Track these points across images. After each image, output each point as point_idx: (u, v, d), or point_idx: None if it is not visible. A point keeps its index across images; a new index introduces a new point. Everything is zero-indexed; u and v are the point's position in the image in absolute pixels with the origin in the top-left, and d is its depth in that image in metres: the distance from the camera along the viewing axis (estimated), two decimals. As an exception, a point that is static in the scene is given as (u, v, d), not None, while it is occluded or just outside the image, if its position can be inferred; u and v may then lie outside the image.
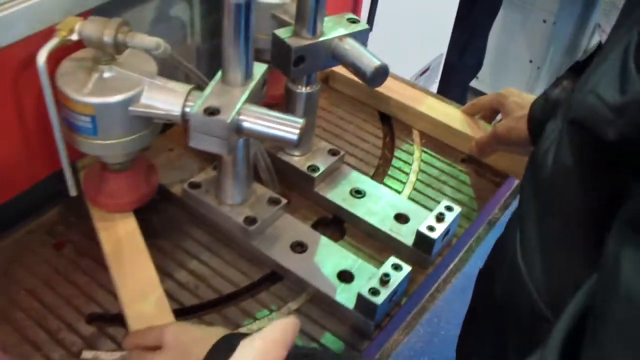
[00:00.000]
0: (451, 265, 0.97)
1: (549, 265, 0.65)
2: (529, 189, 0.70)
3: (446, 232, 0.91)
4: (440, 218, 0.90)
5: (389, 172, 1.06)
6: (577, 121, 0.58)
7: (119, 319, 0.83)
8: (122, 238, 0.88)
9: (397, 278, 0.82)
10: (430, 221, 0.90)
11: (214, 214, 0.92)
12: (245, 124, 0.78)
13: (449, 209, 0.92)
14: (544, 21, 2.61)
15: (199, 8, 1.04)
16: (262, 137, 0.79)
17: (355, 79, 1.03)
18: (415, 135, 1.12)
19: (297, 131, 0.78)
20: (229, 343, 0.67)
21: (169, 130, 1.05)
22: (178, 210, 0.97)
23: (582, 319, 0.46)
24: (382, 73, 0.88)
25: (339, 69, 1.17)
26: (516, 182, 1.07)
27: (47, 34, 0.78)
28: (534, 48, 2.69)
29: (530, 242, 0.68)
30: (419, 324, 1.98)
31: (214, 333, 0.69)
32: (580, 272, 0.53)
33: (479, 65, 2.37)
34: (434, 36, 1.83)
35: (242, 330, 0.82)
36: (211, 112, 0.76)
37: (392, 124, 1.15)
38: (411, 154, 1.09)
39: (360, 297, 0.81)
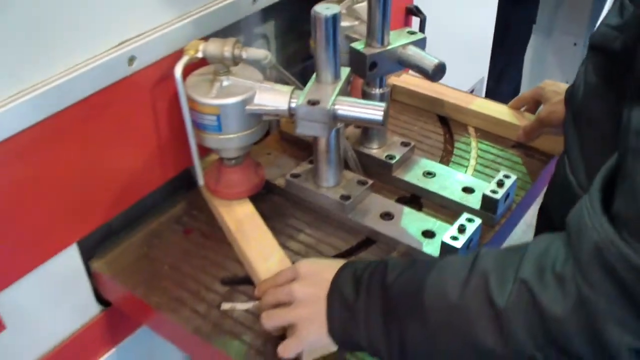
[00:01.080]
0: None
1: (589, 169, 0.83)
2: (569, 119, 0.89)
3: (506, 195, 1.09)
4: (500, 183, 1.09)
5: (452, 160, 1.25)
6: (595, 46, 0.81)
7: (247, 280, 1.02)
8: (242, 218, 1.08)
9: (471, 228, 1.00)
10: (493, 186, 1.08)
11: (314, 196, 1.12)
12: (340, 111, 0.98)
13: (506, 177, 1.10)
14: (575, 44, 2.81)
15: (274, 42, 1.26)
16: (353, 121, 1.00)
17: (415, 89, 1.24)
18: (471, 130, 1.32)
19: (382, 112, 0.98)
20: (351, 266, 0.85)
21: (265, 139, 1.27)
22: (282, 199, 1.17)
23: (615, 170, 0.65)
24: (441, 69, 1.08)
25: (400, 82, 1.38)
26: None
27: (176, 55, 1.00)
28: (567, 70, 2.88)
29: (575, 158, 0.87)
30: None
31: (338, 262, 0.88)
32: None
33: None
34: (475, 59, 2.03)
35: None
36: (313, 103, 0.97)
37: (449, 123, 1.34)
38: (469, 144, 1.28)
39: (443, 244, 0.99)
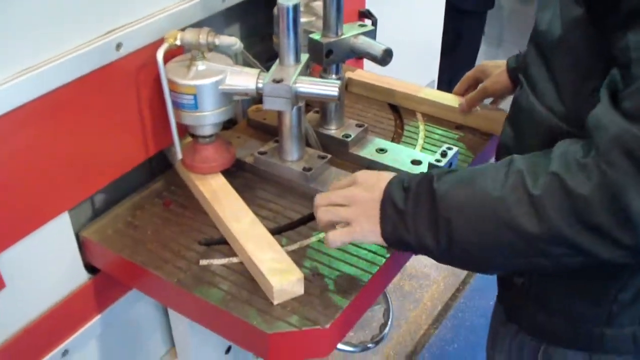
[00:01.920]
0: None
1: (563, 92, 0.96)
2: (533, 52, 1.02)
3: (449, 164, 1.24)
4: (443, 154, 1.24)
5: (402, 141, 1.40)
6: None
7: (222, 241, 1.15)
8: (216, 188, 1.22)
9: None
10: (437, 156, 1.24)
11: (280, 170, 1.27)
12: (300, 88, 1.13)
13: (449, 148, 1.26)
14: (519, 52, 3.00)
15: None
16: (312, 97, 1.14)
17: (368, 81, 1.40)
18: (419, 115, 1.48)
19: (337, 89, 1.13)
20: (400, 177, 0.98)
21: (235, 126, 1.41)
22: (251, 175, 1.31)
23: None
24: (388, 54, 1.24)
25: (355, 76, 1.54)
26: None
27: (158, 43, 1.14)
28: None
29: (542, 88, 0.99)
30: (446, 318, 2.30)
31: (391, 173, 1.00)
32: (588, 84, 0.90)
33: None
34: (425, 63, 2.20)
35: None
36: (277, 81, 1.12)
37: (399, 110, 1.50)
38: (417, 127, 1.44)
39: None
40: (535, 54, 1.02)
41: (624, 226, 0.79)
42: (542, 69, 1.00)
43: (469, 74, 1.45)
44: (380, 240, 0.97)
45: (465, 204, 0.89)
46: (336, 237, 0.98)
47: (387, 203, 0.95)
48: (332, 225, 1.01)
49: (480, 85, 1.39)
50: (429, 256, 0.96)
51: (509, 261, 0.90)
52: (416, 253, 0.98)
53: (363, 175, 1.01)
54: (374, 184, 0.98)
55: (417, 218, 0.92)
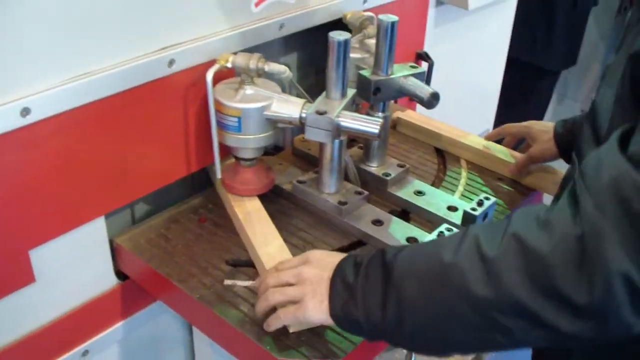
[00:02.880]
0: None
1: None
2: (589, 131, 0.96)
3: (485, 214, 1.23)
4: (480, 203, 1.23)
5: (443, 185, 1.40)
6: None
7: (249, 263, 1.17)
8: (250, 211, 1.24)
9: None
10: (473, 205, 1.23)
11: (316, 200, 1.28)
12: (343, 122, 1.14)
13: (487, 198, 1.25)
14: (582, 111, 2.98)
15: (295, 73, 1.43)
16: (353, 132, 1.16)
17: (416, 122, 1.41)
18: (463, 162, 1.47)
19: (378, 126, 1.14)
20: (353, 255, 0.98)
21: (280, 153, 1.43)
22: (287, 203, 1.32)
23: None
24: (435, 97, 1.24)
25: (404, 116, 1.55)
26: (541, 194, 1.41)
27: (209, 64, 1.17)
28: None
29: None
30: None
31: (344, 254, 0.98)
32: None
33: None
34: (479, 112, 2.20)
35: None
36: (321, 112, 1.13)
37: (444, 155, 1.50)
38: (459, 174, 1.44)
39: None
40: (590, 133, 0.97)
41: (589, 286, 0.71)
42: (592, 147, 0.95)
43: (511, 128, 1.44)
44: (326, 318, 0.93)
45: (416, 271, 0.85)
46: (284, 315, 0.97)
47: (338, 279, 0.93)
48: (272, 308, 1.00)
49: (527, 153, 1.37)
50: (381, 338, 0.91)
51: (463, 338, 0.83)
52: (368, 337, 0.93)
53: (315, 254, 1.00)
54: (325, 262, 0.97)
55: (366, 292, 0.89)
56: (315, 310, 0.94)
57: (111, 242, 1.23)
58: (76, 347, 1.24)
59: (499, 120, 2.25)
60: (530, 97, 2.74)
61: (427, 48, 1.71)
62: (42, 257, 1.11)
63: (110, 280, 1.26)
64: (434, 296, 0.82)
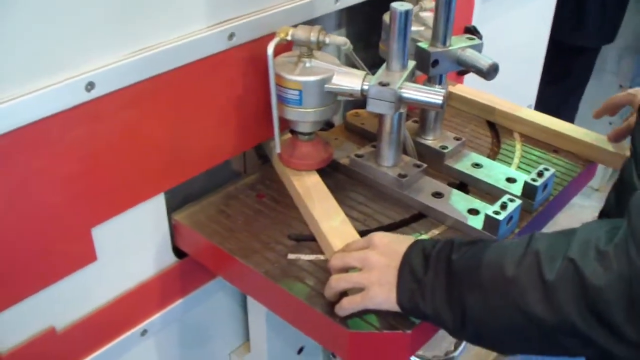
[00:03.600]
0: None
1: None
2: None
3: (545, 185, 1.21)
4: (540, 174, 1.22)
5: (498, 158, 1.38)
6: None
7: (311, 238, 1.16)
8: (310, 186, 1.22)
9: (512, 206, 1.13)
10: (533, 175, 1.21)
11: (375, 174, 1.26)
12: (405, 94, 1.13)
13: (546, 169, 1.23)
14: (620, 86, 2.94)
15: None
16: (416, 104, 1.14)
17: (468, 96, 1.39)
18: (516, 135, 1.45)
19: (442, 97, 1.12)
20: (421, 243, 0.97)
21: (332, 128, 1.42)
22: (345, 177, 1.31)
23: None
24: (494, 69, 1.23)
25: (455, 90, 1.53)
26: (597, 165, 1.38)
27: (269, 37, 1.16)
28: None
29: None
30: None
31: (409, 238, 1.00)
32: None
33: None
34: (523, 87, 2.17)
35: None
36: (383, 84, 1.12)
37: (497, 128, 1.48)
38: (513, 146, 1.42)
39: (487, 217, 1.12)
40: None
41: (637, 323, 0.74)
42: None
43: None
44: (394, 307, 0.95)
45: (478, 280, 0.87)
46: (350, 304, 0.97)
47: (405, 270, 0.94)
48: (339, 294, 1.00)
49: (627, 121, 1.33)
50: (443, 329, 0.94)
51: (523, 346, 0.88)
52: (431, 323, 0.95)
53: (382, 238, 0.99)
54: (392, 249, 0.97)
55: (435, 290, 0.90)
56: (382, 298, 0.95)
57: (169, 219, 1.22)
58: (135, 326, 1.24)
59: (541, 97, 2.24)
60: (570, 74, 2.72)
61: (474, 23, 1.69)
62: (104, 235, 1.10)
63: (169, 258, 1.25)
64: (496, 307, 0.85)
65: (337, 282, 0.98)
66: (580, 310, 0.77)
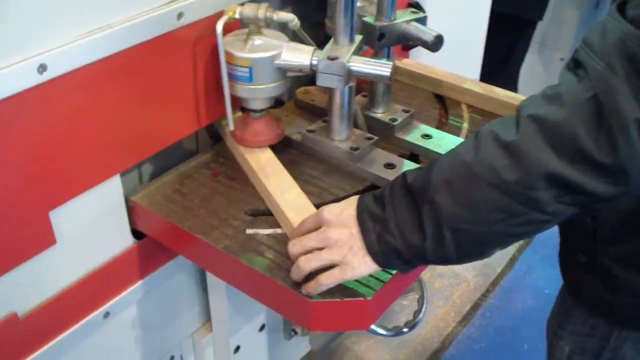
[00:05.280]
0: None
1: None
2: None
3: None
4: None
5: (446, 129, 1.42)
6: None
7: (268, 212, 1.18)
8: (264, 161, 1.24)
9: None
10: (483, 143, 1.25)
11: (327, 148, 1.29)
12: (354, 67, 1.15)
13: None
14: (561, 59, 3.01)
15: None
16: (365, 76, 1.16)
17: (414, 70, 1.42)
18: (463, 106, 1.50)
19: (390, 69, 1.15)
20: (369, 193, 0.99)
21: (283, 105, 1.44)
22: (298, 152, 1.33)
23: None
24: (439, 40, 1.26)
25: (401, 64, 1.57)
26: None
27: (217, 16, 1.17)
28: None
29: None
30: (474, 317, 2.32)
31: (353, 198, 0.99)
32: None
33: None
34: (468, 60, 2.22)
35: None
36: (332, 58, 1.14)
37: (444, 100, 1.52)
38: (461, 117, 1.46)
39: None
40: None
41: (610, 138, 0.77)
42: None
43: None
44: (372, 268, 0.95)
45: (444, 181, 0.88)
46: (328, 279, 0.97)
47: (365, 219, 0.94)
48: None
49: None
50: (421, 261, 0.94)
51: (504, 228, 0.86)
52: (407, 265, 0.96)
53: (329, 211, 0.99)
54: (344, 215, 0.97)
55: (398, 218, 0.91)
56: (362, 265, 0.95)
57: (126, 201, 1.23)
58: (97, 309, 1.25)
59: (483, 70, 2.28)
60: (509, 55, 2.79)
61: (417, -2, 1.72)
62: (62, 218, 1.11)
63: (127, 240, 1.26)
64: (468, 196, 0.86)
65: (307, 263, 0.97)
66: (551, 155, 0.79)
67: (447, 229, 0.87)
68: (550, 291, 2.44)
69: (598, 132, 0.77)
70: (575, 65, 0.83)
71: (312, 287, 0.99)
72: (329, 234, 0.97)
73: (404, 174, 0.95)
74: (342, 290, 1.01)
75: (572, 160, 0.79)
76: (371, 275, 1.02)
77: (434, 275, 2.51)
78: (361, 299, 1.01)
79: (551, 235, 1.15)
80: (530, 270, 2.58)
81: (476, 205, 0.86)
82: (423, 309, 1.49)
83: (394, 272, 1.03)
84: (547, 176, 0.80)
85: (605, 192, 0.80)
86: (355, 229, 0.95)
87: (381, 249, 0.93)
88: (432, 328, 2.31)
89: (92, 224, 1.17)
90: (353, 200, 0.99)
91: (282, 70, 1.20)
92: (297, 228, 1.06)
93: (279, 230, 1.14)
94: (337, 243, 0.96)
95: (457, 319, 2.36)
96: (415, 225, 0.90)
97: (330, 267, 0.98)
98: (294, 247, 1.01)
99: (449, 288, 2.48)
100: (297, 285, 1.02)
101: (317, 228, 1.00)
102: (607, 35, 0.79)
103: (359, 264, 0.95)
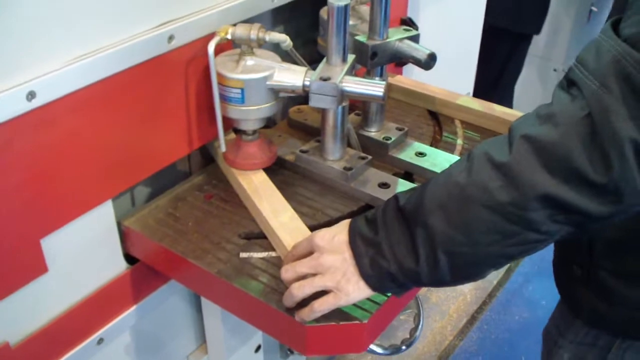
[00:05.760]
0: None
1: None
2: None
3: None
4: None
5: (440, 146, 1.41)
6: None
7: (262, 235, 1.17)
8: (257, 184, 1.23)
9: None
10: (477, 161, 1.24)
11: (321, 168, 1.28)
12: (347, 87, 1.14)
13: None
14: (554, 70, 3.01)
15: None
16: (358, 97, 1.16)
17: (408, 87, 1.41)
18: (457, 122, 1.49)
19: (382, 89, 1.14)
20: (361, 216, 0.97)
21: (276, 125, 1.43)
22: (291, 173, 1.32)
23: None
24: (432, 58, 1.25)
25: (395, 81, 1.56)
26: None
27: (208, 37, 1.16)
28: (549, 96, 3.08)
29: None
30: (471, 330, 2.31)
31: (345, 222, 0.97)
32: None
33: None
34: (462, 75, 2.21)
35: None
36: (325, 79, 1.13)
37: (438, 117, 1.51)
38: (455, 133, 1.45)
39: None
40: None
41: (604, 157, 0.76)
42: None
43: None
44: (366, 292, 0.94)
45: (437, 203, 0.86)
46: (322, 306, 0.96)
47: (358, 243, 0.93)
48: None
49: None
50: (416, 283, 0.93)
51: (499, 250, 0.85)
52: (401, 289, 0.94)
53: (322, 237, 0.97)
54: (335, 241, 0.96)
55: (392, 241, 0.90)
56: (356, 291, 0.94)
57: (118, 226, 1.22)
58: (91, 335, 1.23)
59: (478, 85, 2.28)
60: (507, 66, 2.79)
61: (409, 14, 1.71)
62: (53, 246, 1.09)
63: (120, 265, 1.25)
64: (462, 218, 0.84)
65: (300, 290, 0.96)
66: (545, 175, 0.78)
67: (442, 252, 0.86)
68: (546, 303, 2.44)
69: (592, 151, 0.76)
70: (569, 84, 0.82)
71: (306, 314, 0.98)
72: (322, 261, 0.95)
73: (396, 196, 0.94)
74: (337, 314, 1.00)
75: (566, 179, 0.78)
76: (367, 298, 1.01)
77: (431, 289, 2.50)
78: (357, 322, 1.00)
79: (547, 247, 1.14)
80: (526, 282, 2.58)
81: (470, 227, 0.84)
82: (419, 327, 1.48)
83: (389, 294, 1.02)
84: (541, 197, 0.79)
85: (599, 211, 0.79)
86: (347, 254, 0.94)
87: (375, 273, 0.92)
88: (429, 342, 2.30)
89: (84, 251, 1.16)
90: (344, 225, 0.97)
91: (275, 91, 1.19)
92: (289, 252, 1.04)
93: (273, 254, 1.13)
94: (329, 269, 0.94)
95: (454, 332, 2.35)
96: (409, 248, 0.88)
97: (324, 292, 0.96)
98: (286, 272, 0.99)
99: (446, 302, 2.48)
100: (292, 310, 1.00)
101: (309, 253, 0.99)
102: (601, 54, 0.78)
103: (353, 290, 0.94)
